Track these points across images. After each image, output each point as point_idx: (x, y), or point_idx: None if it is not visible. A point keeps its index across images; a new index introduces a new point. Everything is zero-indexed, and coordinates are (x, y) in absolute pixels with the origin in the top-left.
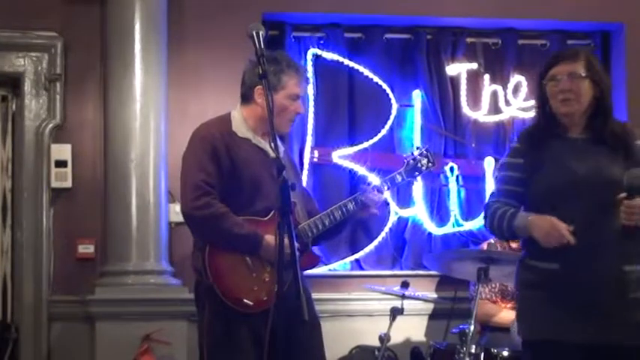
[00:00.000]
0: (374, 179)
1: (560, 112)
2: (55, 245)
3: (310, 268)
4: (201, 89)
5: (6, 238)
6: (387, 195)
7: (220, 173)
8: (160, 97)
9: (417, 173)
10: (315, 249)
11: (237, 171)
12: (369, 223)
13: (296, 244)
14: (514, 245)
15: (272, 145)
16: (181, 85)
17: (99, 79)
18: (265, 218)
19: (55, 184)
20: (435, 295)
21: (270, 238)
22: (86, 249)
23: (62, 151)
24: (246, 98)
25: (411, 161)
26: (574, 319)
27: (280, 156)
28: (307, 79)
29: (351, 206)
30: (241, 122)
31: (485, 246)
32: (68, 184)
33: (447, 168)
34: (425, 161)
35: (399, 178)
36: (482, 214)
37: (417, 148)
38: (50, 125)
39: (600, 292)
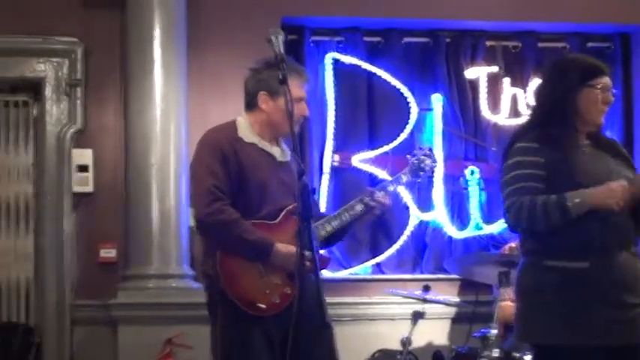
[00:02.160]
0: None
1: (597, 121)
2: (77, 250)
3: (321, 270)
4: (221, 93)
5: (28, 243)
6: (407, 199)
7: (229, 178)
8: (180, 101)
9: (421, 173)
10: (324, 251)
11: (245, 175)
12: (389, 227)
13: (317, 246)
14: None
15: (294, 148)
16: (201, 89)
17: (119, 84)
18: (274, 221)
19: (76, 188)
20: (456, 299)
21: (280, 246)
22: (108, 253)
23: (83, 155)
24: (251, 105)
25: (415, 161)
26: (602, 320)
27: (287, 160)
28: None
29: (358, 208)
30: (247, 128)
31: (507, 250)
32: (90, 188)
33: (467, 171)
34: (428, 161)
35: (404, 178)
36: (512, 213)
37: (420, 148)
38: (71, 130)
39: (627, 290)
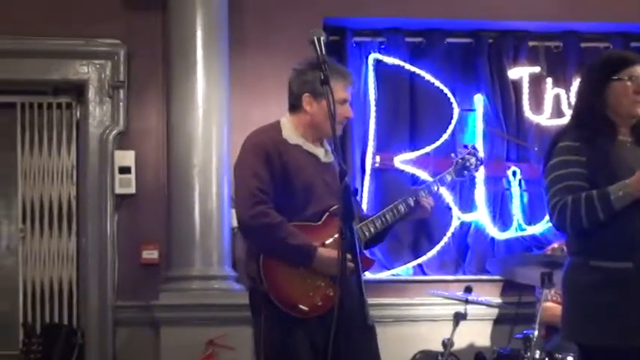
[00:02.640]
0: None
1: (633, 112)
2: (120, 251)
3: (364, 272)
4: (263, 94)
5: (71, 245)
6: (449, 199)
7: (273, 179)
8: (223, 102)
9: (466, 172)
10: (367, 253)
11: (289, 177)
12: (431, 228)
13: (359, 247)
14: None
15: (335, 149)
16: (243, 90)
17: (161, 86)
18: (318, 223)
19: (119, 190)
20: (498, 300)
21: (323, 251)
22: (150, 254)
23: (126, 157)
24: (295, 107)
25: (460, 160)
26: None
27: (331, 161)
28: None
29: (402, 208)
30: (291, 129)
31: (549, 250)
32: (132, 190)
33: (509, 172)
34: (473, 160)
35: (448, 178)
36: (557, 212)
37: (465, 146)
38: (114, 132)
39: None
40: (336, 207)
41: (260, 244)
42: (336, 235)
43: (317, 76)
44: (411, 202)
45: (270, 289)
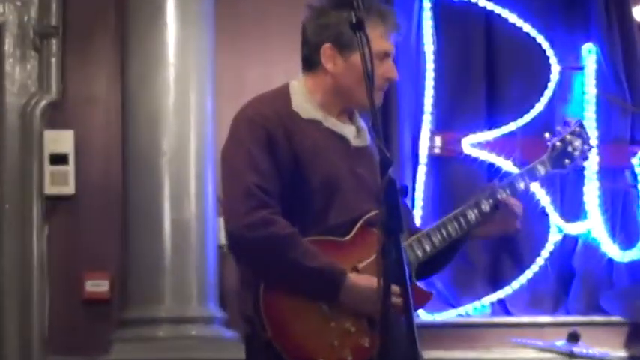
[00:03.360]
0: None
1: None
2: (52, 281)
3: (416, 309)
4: (263, 48)
5: None
6: (546, 202)
7: (279, 172)
8: (204, 59)
9: (567, 161)
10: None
11: (302, 168)
12: (517, 245)
13: (410, 273)
14: None
15: (374, 128)
16: (234, 42)
17: (113, 35)
18: (346, 237)
19: (50, 189)
20: (620, 353)
21: (356, 278)
22: (97, 286)
23: (61, 140)
24: (311, 64)
25: (558, 144)
26: None
27: (366, 144)
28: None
29: (472, 216)
30: (305, 98)
31: None
32: (70, 189)
33: (634, 161)
34: (578, 143)
35: (541, 170)
36: None
37: (565, 123)
38: (43, 102)
39: None
40: (373, 213)
41: (260, 267)
42: (375, 256)
43: (344, 17)
44: (487, 206)
45: (276, 336)
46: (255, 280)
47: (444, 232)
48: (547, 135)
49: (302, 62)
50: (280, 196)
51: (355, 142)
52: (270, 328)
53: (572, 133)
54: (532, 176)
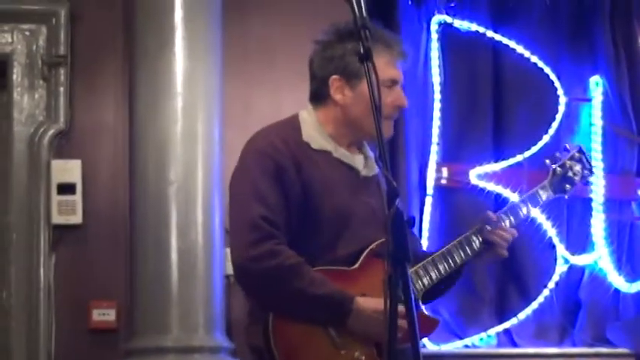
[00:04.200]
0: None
1: None
2: (59, 310)
3: (423, 337)
4: (270, 77)
5: None
6: (552, 233)
7: (287, 204)
8: (212, 89)
9: (568, 186)
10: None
11: (312, 201)
12: (523, 276)
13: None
14: None
15: (381, 157)
16: (242, 72)
17: (121, 64)
18: (353, 267)
19: (57, 219)
20: None
21: (364, 301)
22: (104, 315)
23: (68, 169)
24: (320, 96)
25: (558, 169)
26: None
27: (374, 173)
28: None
29: (476, 243)
30: (316, 128)
31: None
32: (77, 219)
33: None
34: (578, 167)
35: (543, 196)
36: None
37: (565, 149)
38: (50, 132)
39: None
40: (379, 242)
41: (268, 298)
42: (380, 285)
43: (349, 48)
44: (488, 232)
45: None
46: (263, 309)
47: (451, 259)
48: (547, 161)
49: (311, 96)
50: (289, 226)
51: (364, 171)
52: (280, 358)
53: (572, 158)
54: (534, 202)
